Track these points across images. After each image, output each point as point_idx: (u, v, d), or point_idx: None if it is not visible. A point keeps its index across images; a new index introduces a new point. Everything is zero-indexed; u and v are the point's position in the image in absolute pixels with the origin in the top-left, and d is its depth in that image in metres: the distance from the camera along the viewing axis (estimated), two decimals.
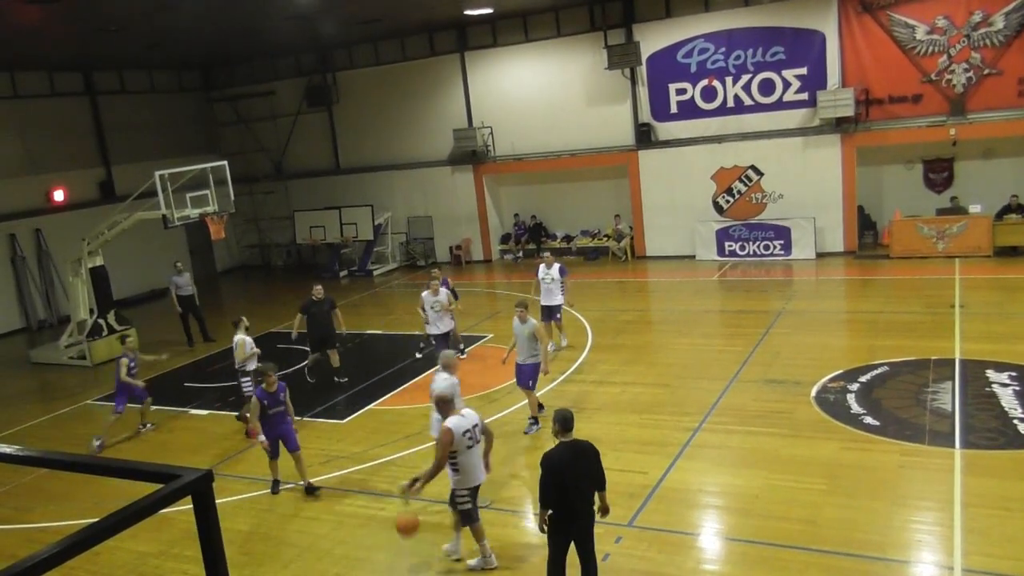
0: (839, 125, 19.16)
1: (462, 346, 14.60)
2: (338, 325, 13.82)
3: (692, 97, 20.65)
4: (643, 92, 21.23)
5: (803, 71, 19.42)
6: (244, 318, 12.33)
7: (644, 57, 20.78)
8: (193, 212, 16.54)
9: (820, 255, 19.72)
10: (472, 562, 7.74)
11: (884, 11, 18.46)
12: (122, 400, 12.29)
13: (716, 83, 20.31)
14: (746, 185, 20.54)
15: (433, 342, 13.41)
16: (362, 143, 25.32)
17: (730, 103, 20.29)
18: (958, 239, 18.10)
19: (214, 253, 26.71)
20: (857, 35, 18.83)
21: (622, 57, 20.60)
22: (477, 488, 7.65)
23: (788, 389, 11.39)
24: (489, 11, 20.27)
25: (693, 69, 20.47)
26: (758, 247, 20.35)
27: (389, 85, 24.28)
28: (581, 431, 9.27)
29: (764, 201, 20.43)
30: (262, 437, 9.51)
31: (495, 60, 22.80)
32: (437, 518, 8.49)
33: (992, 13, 17.60)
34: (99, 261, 17.49)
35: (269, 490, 9.84)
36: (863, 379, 11.48)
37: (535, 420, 10.82)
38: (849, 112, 18.64)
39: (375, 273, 24.01)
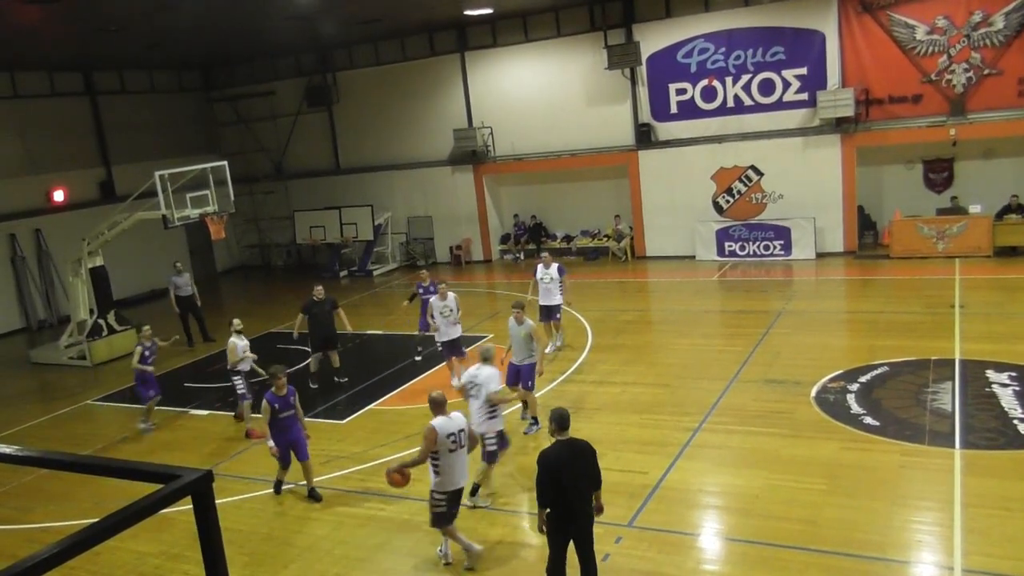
0: (839, 125, 19.16)
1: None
2: (341, 325, 13.80)
3: (692, 97, 20.65)
4: (643, 92, 21.23)
5: (803, 71, 19.42)
6: (236, 320, 12.31)
7: (644, 57, 20.78)
8: (193, 212, 16.54)
9: (820, 255, 19.72)
10: (440, 549, 7.87)
11: (884, 11, 18.47)
12: (147, 388, 12.66)
13: (716, 83, 20.32)
14: (746, 185, 20.55)
15: (439, 347, 13.10)
16: (362, 143, 25.32)
17: (730, 103, 20.29)
18: (958, 239, 18.10)
19: (214, 253, 26.72)
20: (857, 35, 18.83)
21: (622, 57, 20.61)
22: (456, 493, 7.63)
23: (788, 389, 11.39)
24: (489, 11, 20.27)
25: (693, 69, 20.47)
26: (758, 247, 20.36)
27: (389, 85, 24.29)
28: (581, 431, 9.28)
29: (764, 201, 20.43)
30: (271, 443, 9.27)
31: (495, 60, 22.81)
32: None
33: (992, 13, 17.60)
34: (99, 261, 17.49)
35: (272, 489, 9.71)
36: (863, 379, 11.48)
37: (535, 420, 10.81)
38: (849, 112, 18.65)
39: (375, 273, 24.01)
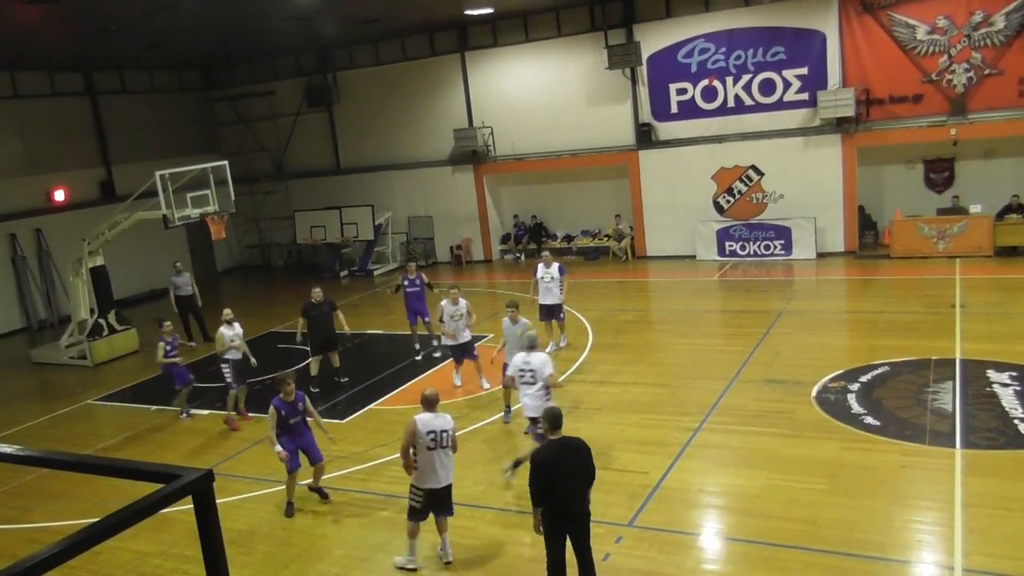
0: (840, 125, 19.16)
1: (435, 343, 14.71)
2: (340, 326, 13.78)
3: (692, 97, 20.64)
4: (643, 92, 21.23)
5: (804, 71, 19.42)
6: (227, 310, 12.68)
7: (644, 57, 20.78)
8: (193, 212, 16.54)
9: (821, 255, 19.72)
10: (398, 559, 7.84)
11: (885, 11, 18.46)
12: (178, 379, 12.87)
13: (716, 83, 20.31)
14: (746, 185, 20.54)
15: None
16: (362, 143, 25.32)
17: (730, 103, 20.29)
18: (959, 239, 18.09)
19: (214, 253, 26.72)
20: (858, 35, 18.83)
21: (622, 57, 20.60)
22: (433, 492, 7.63)
23: (789, 389, 11.38)
24: (489, 11, 20.27)
25: (693, 69, 20.46)
26: (758, 247, 20.35)
27: (389, 85, 24.29)
28: (581, 431, 9.30)
29: (764, 201, 20.43)
30: (278, 448, 9.01)
31: (495, 60, 22.80)
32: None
33: (993, 13, 17.60)
34: (100, 261, 17.49)
35: (284, 512, 9.25)
36: (864, 379, 11.48)
37: (543, 421, 10.81)
38: (850, 112, 18.64)
39: (375, 273, 24.01)
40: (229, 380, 12.36)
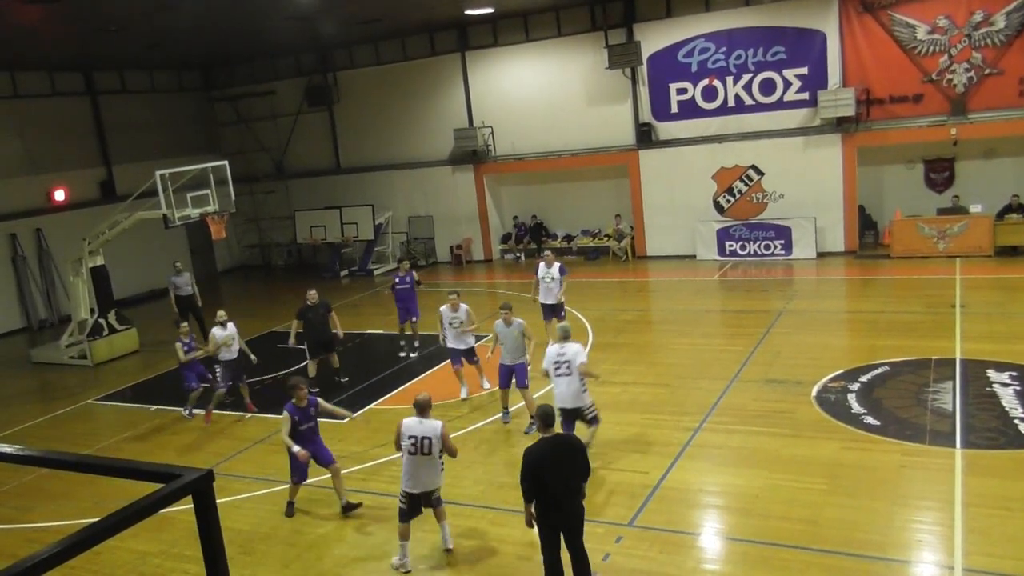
0: (840, 125, 19.15)
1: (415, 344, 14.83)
2: (333, 327, 13.73)
3: (693, 97, 20.64)
4: (644, 92, 21.22)
5: (804, 71, 19.41)
6: (220, 312, 12.87)
7: (645, 57, 20.77)
8: (194, 212, 16.54)
9: (821, 255, 19.72)
10: (394, 559, 7.86)
11: (885, 11, 18.46)
12: (192, 377, 12.88)
13: (717, 83, 20.31)
14: (747, 185, 20.54)
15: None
16: (363, 143, 25.32)
17: (731, 103, 20.28)
18: (959, 239, 18.09)
19: (215, 253, 26.73)
20: (858, 35, 18.83)
21: (623, 57, 20.60)
22: (413, 496, 7.71)
23: (789, 389, 11.38)
24: (490, 11, 20.26)
25: (694, 69, 20.46)
26: (759, 247, 20.35)
27: (389, 85, 24.29)
28: (581, 431, 9.31)
29: (765, 201, 20.43)
30: (296, 448, 8.77)
31: (496, 60, 22.80)
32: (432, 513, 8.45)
33: (993, 13, 17.59)
34: (100, 261, 17.49)
35: (284, 512, 9.26)
36: (864, 379, 11.48)
37: (535, 419, 10.82)
38: (850, 112, 18.64)
39: (376, 273, 24.01)
40: (219, 380, 12.62)
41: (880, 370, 11.76)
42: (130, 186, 19.53)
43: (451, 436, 7.89)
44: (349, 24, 20.15)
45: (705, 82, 20.41)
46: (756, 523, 8.03)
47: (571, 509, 6.73)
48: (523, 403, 11.06)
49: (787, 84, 19.64)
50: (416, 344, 15.07)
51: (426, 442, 7.58)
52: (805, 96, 19.48)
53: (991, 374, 11.13)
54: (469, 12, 20.31)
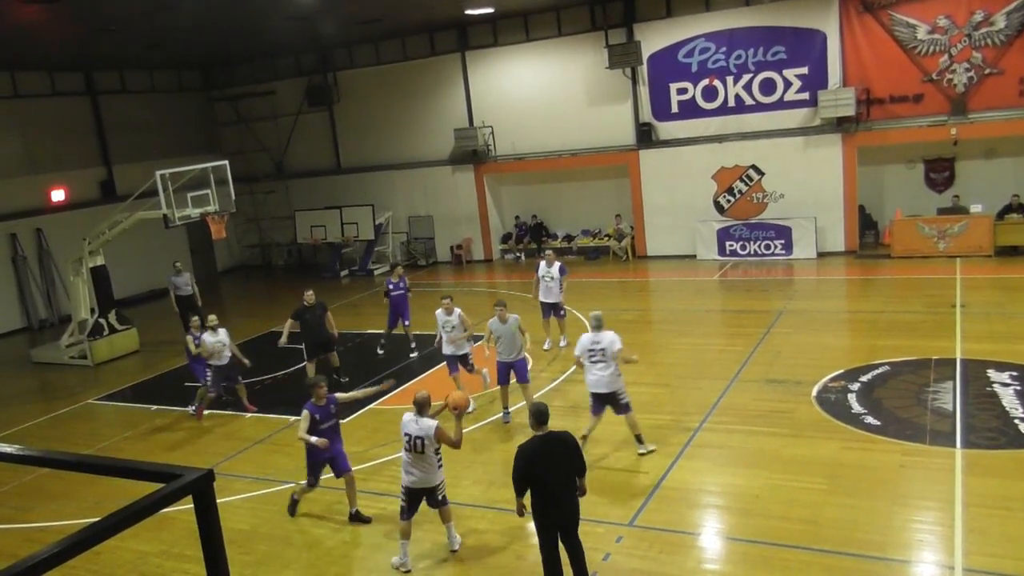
0: (840, 125, 19.15)
1: (413, 344, 14.98)
2: (330, 327, 13.72)
3: (693, 97, 20.64)
4: (644, 92, 21.22)
5: (804, 71, 19.41)
6: (211, 316, 12.92)
7: (645, 56, 20.77)
8: (194, 212, 16.54)
9: (821, 255, 19.71)
10: (394, 559, 7.87)
11: (885, 10, 18.45)
12: (202, 372, 12.92)
13: (717, 83, 20.31)
14: (747, 185, 20.54)
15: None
16: (363, 143, 25.32)
17: (731, 103, 20.28)
18: (959, 239, 18.09)
19: (215, 253, 26.73)
20: (858, 34, 18.82)
21: (623, 56, 20.60)
22: (408, 491, 7.76)
23: (789, 389, 11.38)
24: (490, 11, 20.26)
25: (694, 69, 20.46)
26: (759, 247, 20.35)
27: (390, 85, 24.29)
28: (582, 430, 9.31)
29: (765, 201, 20.42)
30: (314, 439, 8.55)
31: (496, 60, 22.80)
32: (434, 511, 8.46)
33: (993, 13, 17.59)
34: (100, 260, 17.49)
35: (287, 509, 9.19)
36: (864, 379, 11.47)
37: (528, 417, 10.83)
38: (850, 112, 18.64)
39: (376, 273, 24.01)
40: (208, 381, 12.72)
41: (880, 370, 11.76)
42: (130, 186, 19.54)
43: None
44: (349, 24, 20.15)
45: (705, 82, 20.41)
46: (756, 523, 8.03)
47: (568, 506, 6.79)
48: (524, 403, 11.05)
49: (787, 84, 19.64)
50: (413, 344, 15.09)
51: (419, 441, 7.64)
52: (805, 96, 19.47)
53: (991, 374, 11.13)
54: (469, 12, 20.31)
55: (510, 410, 11.31)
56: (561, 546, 6.89)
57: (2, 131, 21.12)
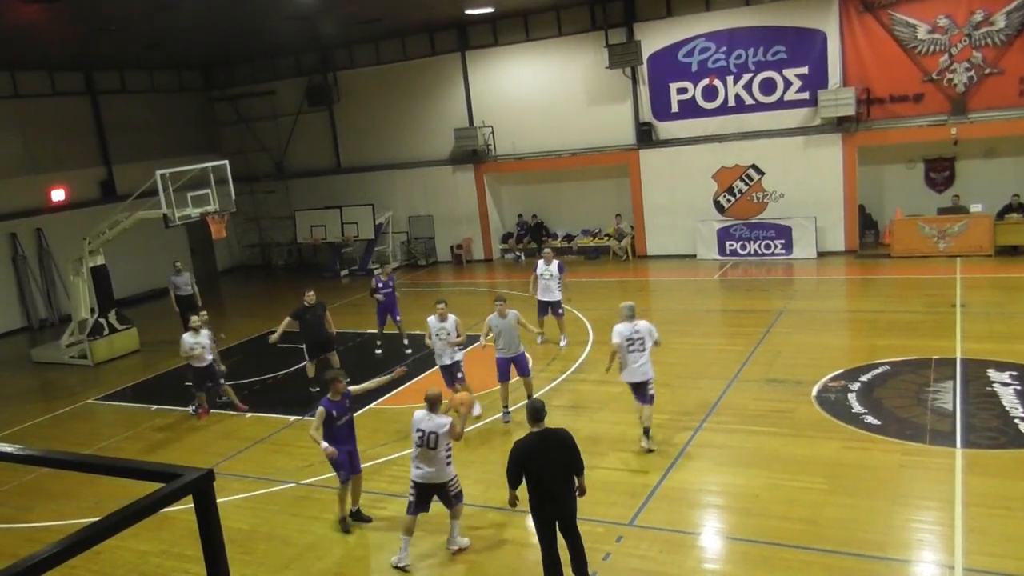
0: (840, 124, 19.14)
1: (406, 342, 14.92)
2: (329, 327, 13.71)
3: (693, 96, 20.64)
4: (644, 91, 21.22)
5: (804, 70, 19.41)
6: (194, 318, 13.05)
7: (645, 56, 20.77)
8: (194, 211, 16.54)
9: (821, 254, 19.71)
10: (394, 557, 7.88)
11: (885, 10, 18.45)
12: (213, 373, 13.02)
13: (717, 82, 20.30)
14: (747, 184, 20.54)
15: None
16: (363, 142, 25.32)
17: (731, 102, 20.28)
18: (959, 238, 18.08)
19: (215, 252, 26.73)
20: (858, 34, 18.82)
21: (623, 56, 20.60)
22: (419, 487, 7.80)
23: (789, 388, 11.38)
24: (490, 10, 20.26)
25: (694, 68, 20.45)
26: (759, 246, 20.35)
27: (390, 85, 24.29)
28: (582, 430, 9.32)
29: (765, 200, 20.42)
30: (324, 444, 8.43)
31: (496, 59, 22.80)
32: (435, 509, 8.46)
33: (993, 12, 17.58)
34: (100, 260, 17.49)
35: (340, 528, 8.75)
36: (864, 378, 11.47)
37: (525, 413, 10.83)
38: (850, 111, 18.63)
39: (376, 272, 23.97)
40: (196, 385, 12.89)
41: (880, 370, 11.76)
42: (130, 186, 19.54)
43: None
44: (349, 24, 20.15)
45: (705, 82, 20.41)
46: (756, 523, 8.03)
47: (565, 501, 6.85)
48: (524, 402, 11.03)
49: (787, 84, 19.63)
50: (405, 341, 15.13)
51: (432, 437, 7.65)
52: (805, 96, 19.47)
53: (991, 374, 11.13)
54: (469, 12, 20.31)
55: (510, 409, 11.30)
56: (562, 544, 6.90)
57: (2, 131, 21.12)
